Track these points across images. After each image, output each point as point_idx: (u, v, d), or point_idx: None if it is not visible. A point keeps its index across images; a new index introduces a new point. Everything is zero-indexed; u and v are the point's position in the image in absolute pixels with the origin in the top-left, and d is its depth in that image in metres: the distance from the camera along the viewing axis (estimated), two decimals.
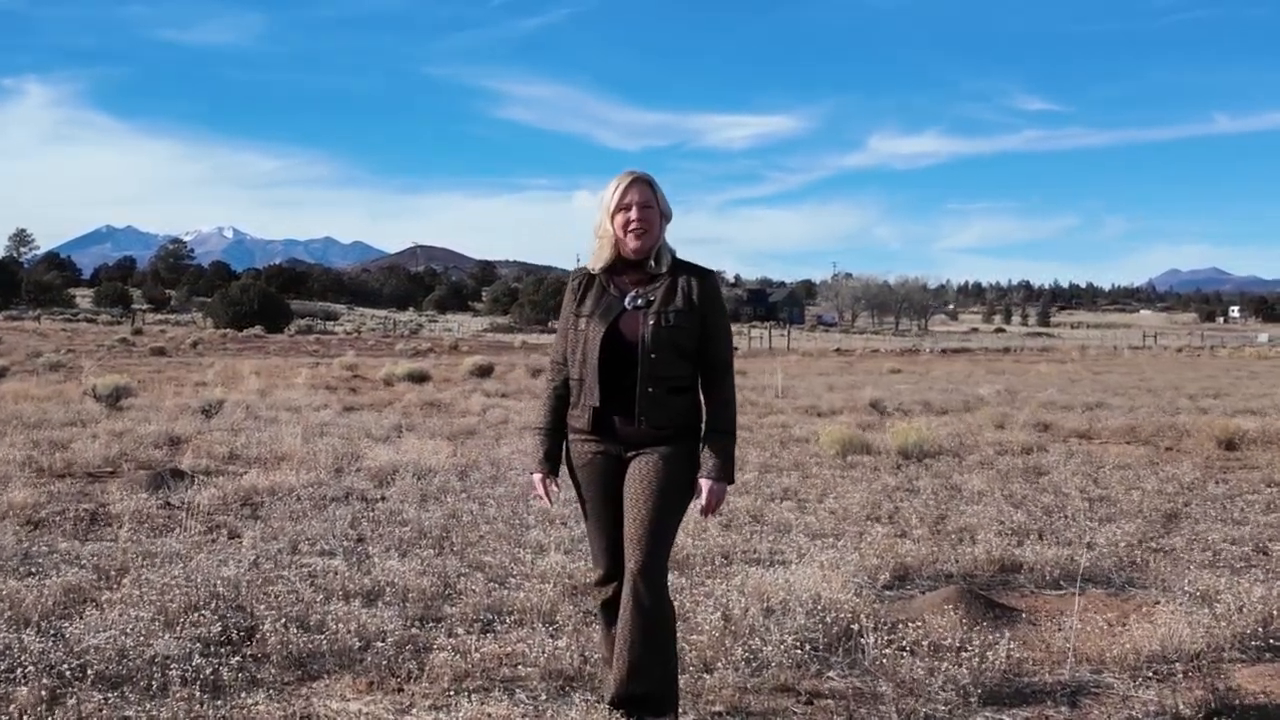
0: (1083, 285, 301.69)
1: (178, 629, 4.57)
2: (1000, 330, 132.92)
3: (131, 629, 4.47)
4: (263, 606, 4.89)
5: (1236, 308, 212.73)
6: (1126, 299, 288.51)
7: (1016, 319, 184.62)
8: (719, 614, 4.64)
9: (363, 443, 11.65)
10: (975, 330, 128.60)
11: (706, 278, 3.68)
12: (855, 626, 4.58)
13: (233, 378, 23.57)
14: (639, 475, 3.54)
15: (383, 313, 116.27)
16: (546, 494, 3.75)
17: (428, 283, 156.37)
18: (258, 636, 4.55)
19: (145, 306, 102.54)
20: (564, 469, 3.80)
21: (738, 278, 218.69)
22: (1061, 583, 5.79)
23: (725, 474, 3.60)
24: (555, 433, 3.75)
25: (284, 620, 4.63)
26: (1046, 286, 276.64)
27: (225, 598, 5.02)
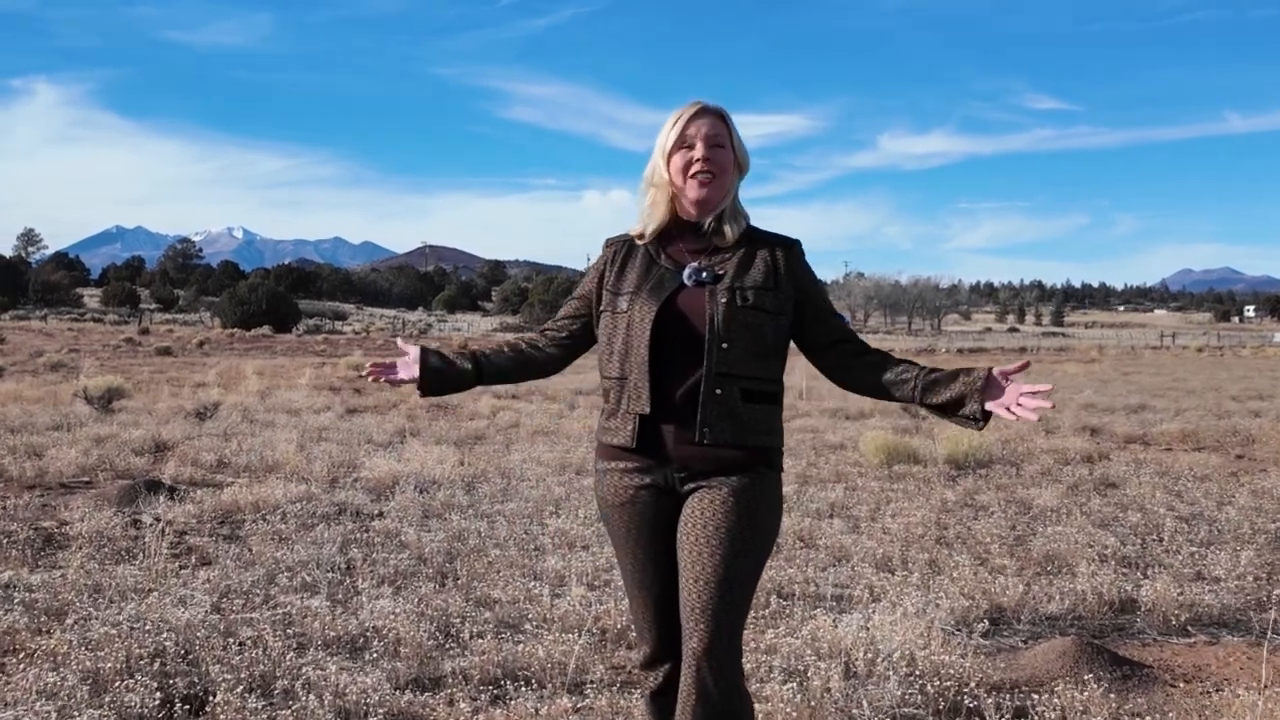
0: (1095, 285, 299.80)
1: (107, 698, 3.61)
2: (1014, 330, 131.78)
3: (48, 701, 3.52)
4: (219, 666, 3.92)
5: (1252, 308, 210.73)
6: (1139, 298, 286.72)
7: (1030, 318, 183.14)
8: (795, 683, 3.65)
9: (362, 449, 10.74)
10: (989, 330, 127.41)
11: (794, 247, 2.71)
12: (967, 701, 3.60)
13: (234, 378, 22.68)
14: (701, 518, 2.55)
15: (392, 312, 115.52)
16: (379, 369, 2.82)
17: (437, 282, 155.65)
18: (207, 710, 3.60)
19: (153, 306, 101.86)
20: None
21: None
22: (1189, 628, 4.81)
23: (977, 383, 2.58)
24: (475, 359, 2.82)
25: (242, 685, 3.69)
26: (1059, 286, 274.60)
27: (174, 654, 4.06)
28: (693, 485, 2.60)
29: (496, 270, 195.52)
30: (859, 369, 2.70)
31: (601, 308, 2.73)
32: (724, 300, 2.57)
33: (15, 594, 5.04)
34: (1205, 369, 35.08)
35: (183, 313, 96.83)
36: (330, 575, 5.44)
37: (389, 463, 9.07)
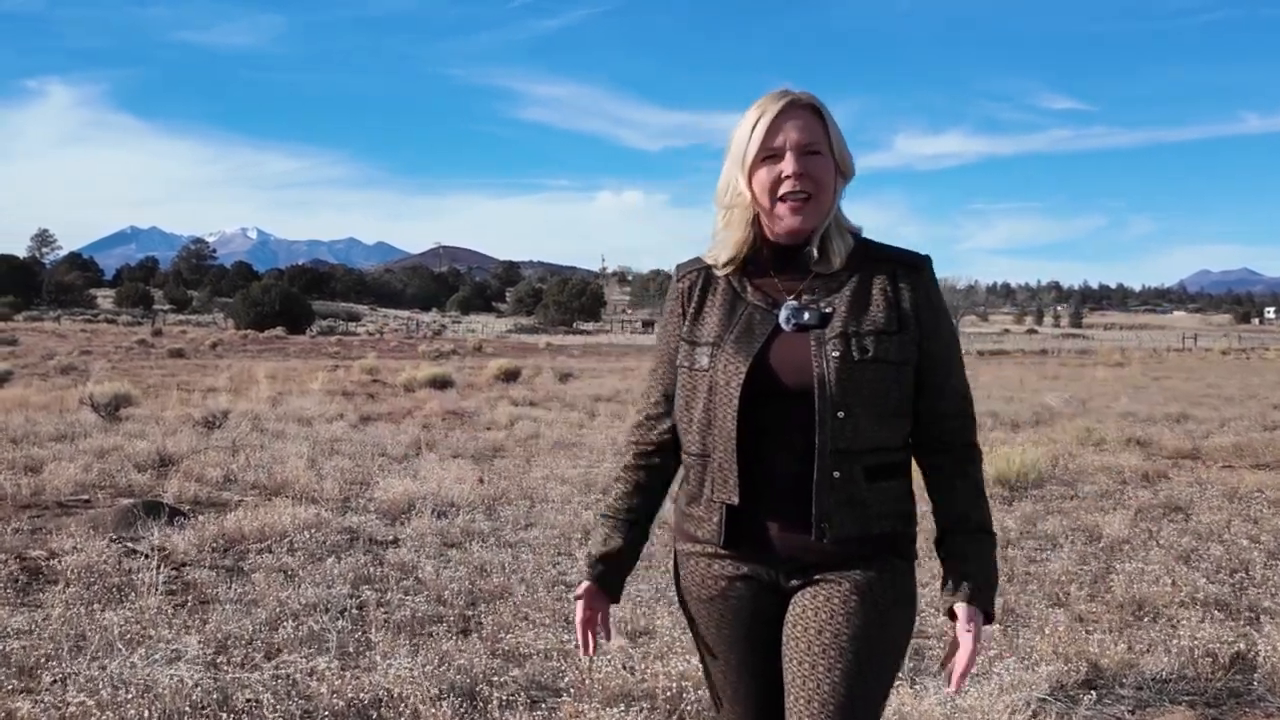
0: (1112, 286, 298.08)
1: None
2: (1032, 331, 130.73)
3: None
4: None
5: (1273, 309, 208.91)
6: (1157, 300, 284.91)
7: (1049, 320, 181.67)
8: None
9: (376, 463, 10.21)
10: (1007, 331, 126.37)
11: (921, 269, 2.09)
12: None
13: (245, 382, 22.24)
14: (815, 621, 1.97)
15: (406, 313, 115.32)
16: (585, 636, 2.19)
17: (451, 283, 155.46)
18: None
19: (167, 307, 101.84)
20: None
21: None
22: None
23: (986, 600, 2.01)
24: (629, 524, 2.18)
25: None
26: (1076, 287, 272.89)
27: None
28: (802, 580, 2.02)
29: (510, 271, 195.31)
30: (929, 457, 2.10)
31: (678, 361, 2.13)
32: (836, 353, 1.96)
33: None
34: (1235, 373, 34.32)
35: (196, 314, 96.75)
36: (340, 623, 4.88)
37: (404, 482, 8.53)
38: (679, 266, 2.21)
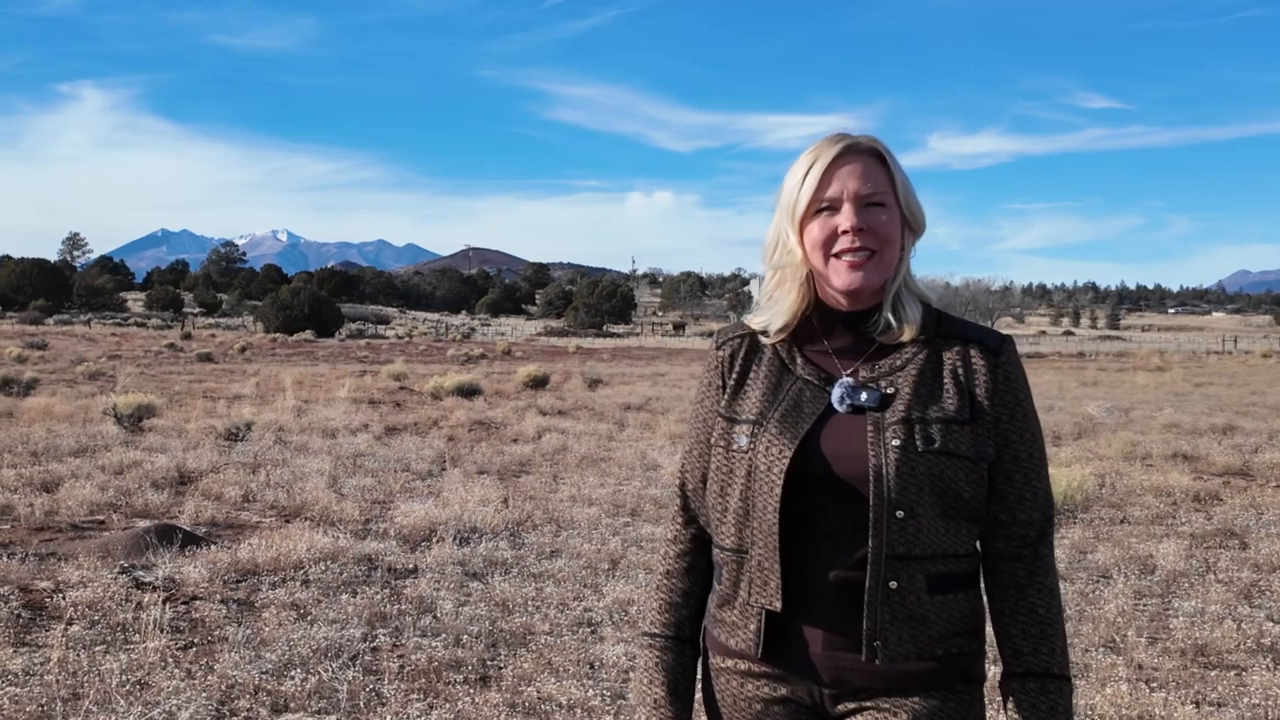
0: (1150, 286, 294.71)
1: None
2: (1069, 333, 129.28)
3: None
4: None
5: None
6: (1195, 300, 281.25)
7: (1085, 321, 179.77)
8: None
9: (399, 480, 9.97)
10: (1043, 333, 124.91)
11: (1001, 352, 1.76)
12: None
13: (272, 389, 22.12)
14: None
15: (435, 316, 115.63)
16: None
17: (481, 285, 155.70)
18: None
19: (196, 310, 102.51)
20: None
21: None
22: None
23: None
24: (677, 644, 1.87)
25: None
26: (1113, 288, 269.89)
27: None
28: (852, 705, 1.71)
29: (540, 273, 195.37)
30: (997, 577, 1.76)
31: (714, 440, 1.82)
32: (897, 441, 1.66)
33: None
34: (1279, 378, 33.56)
35: (226, 317, 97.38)
36: (350, 673, 4.61)
37: (426, 506, 8.27)
38: (719, 333, 1.91)
